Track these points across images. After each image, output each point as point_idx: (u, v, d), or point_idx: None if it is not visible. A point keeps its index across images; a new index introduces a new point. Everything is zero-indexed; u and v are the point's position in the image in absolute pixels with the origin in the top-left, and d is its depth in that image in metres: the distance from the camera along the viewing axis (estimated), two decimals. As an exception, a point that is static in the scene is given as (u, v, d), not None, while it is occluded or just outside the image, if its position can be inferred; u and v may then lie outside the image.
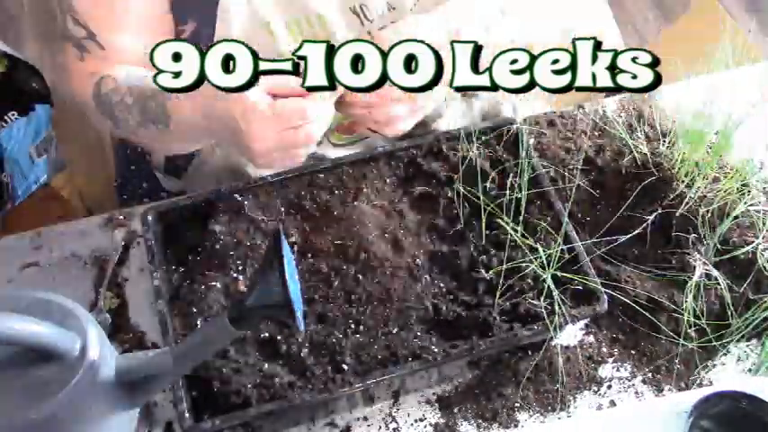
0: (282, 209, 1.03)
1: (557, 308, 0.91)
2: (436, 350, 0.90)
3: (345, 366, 0.90)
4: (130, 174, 1.31)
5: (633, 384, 0.95)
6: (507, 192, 1.00)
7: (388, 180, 1.06)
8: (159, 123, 1.00)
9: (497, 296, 0.94)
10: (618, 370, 0.97)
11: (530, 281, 0.95)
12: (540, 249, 0.93)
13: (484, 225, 0.99)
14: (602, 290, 0.94)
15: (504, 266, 0.95)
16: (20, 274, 1.05)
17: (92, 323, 0.71)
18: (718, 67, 1.15)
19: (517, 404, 0.93)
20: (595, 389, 0.95)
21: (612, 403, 0.94)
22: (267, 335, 0.92)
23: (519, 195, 0.99)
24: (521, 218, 0.98)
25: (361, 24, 1.10)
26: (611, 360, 0.97)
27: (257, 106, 0.89)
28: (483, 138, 1.08)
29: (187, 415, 0.85)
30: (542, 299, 0.93)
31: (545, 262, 0.93)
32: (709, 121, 1.14)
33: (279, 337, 0.91)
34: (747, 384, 0.90)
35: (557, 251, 0.93)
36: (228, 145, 1.03)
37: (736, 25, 1.74)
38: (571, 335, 0.98)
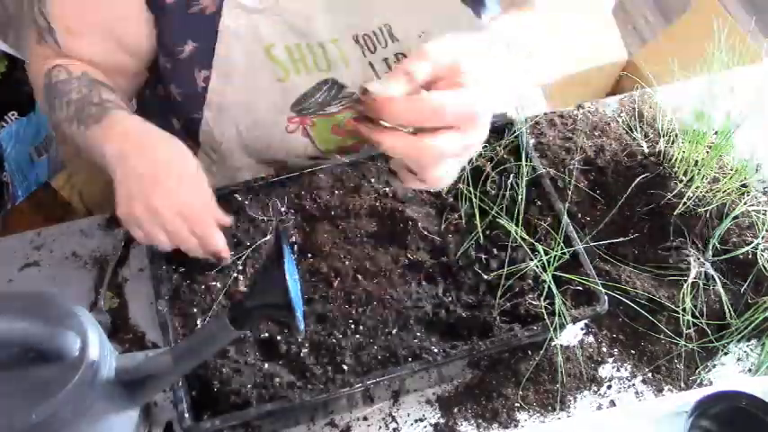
0: (282, 209, 1.03)
1: (557, 308, 0.91)
2: (436, 350, 0.90)
3: (345, 366, 0.90)
4: None
5: (633, 384, 0.95)
6: (507, 192, 1.00)
7: (388, 180, 1.06)
8: (83, 123, 0.99)
9: (498, 296, 0.94)
10: (618, 370, 0.97)
11: (530, 281, 0.95)
12: (541, 249, 0.94)
13: (480, 225, 0.99)
14: (603, 290, 0.94)
15: (505, 267, 0.95)
16: (20, 274, 1.05)
17: (92, 323, 0.71)
18: (717, 66, 1.15)
19: (517, 404, 0.93)
20: (595, 389, 0.95)
21: (612, 403, 0.94)
22: (267, 335, 0.92)
23: (519, 196, 0.99)
24: (521, 218, 0.98)
25: (363, 55, 1.09)
26: (611, 360, 0.97)
27: (196, 177, 0.94)
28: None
29: (187, 415, 0.85)
30: (542, 299, 0.93)
31: (545, 262, 0.93)
32: (709, 121, 1.14)
33: (279, 338, 0.91)
34: (747, 384, 0.90)
35: (557, 252, 0.93)
36: (126, 180, 0.95)
37: (736, 25, 1.74)
38: (571, 335, 0.98)
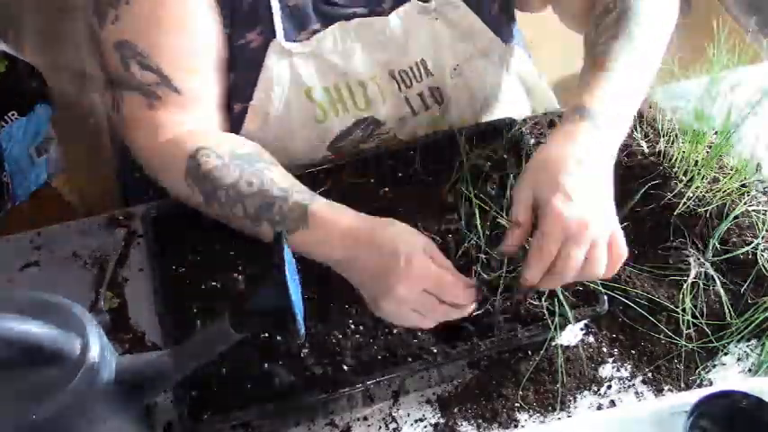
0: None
1: (557, 308, 0.91)
2: (436, 351, 0.90)
3: (345, 366, 0.90)
4: (135, 176, 1.31)
5: (633, 384, 0.95)
6: (508, 192, 1.00)
7: (388, 180, 1.06)
8: (283, 226, 0.90)
9: (497, 296, 0.94)
10: (618, 370, 0.97)
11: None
12: None
13: (480, 225, 0.98)
14: (602, 290, 0.94)
15: (504, 266, 0.95)
16: (20, 274, 1.05)
17: (92, 324, 0.71)
18: (717, 66, 1.15)
19: (517, 404, 0.93)
20: (595, 389, 0.95)
21: (612, 403, 0.94)
22: (267, 335, 0.92)
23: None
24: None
25: (399, 90, 1.11)
26: (611, 360, 0.97)
27: (424, 252, 0.85)
28: (483, 138, 1.07)
29: (187, 415, 0.85)
30: (543, 299, 0.93)
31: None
32: (709, 121, 1.14)
33: (279, 338, 0.91)
34: (747, 384, 0.90)
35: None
36: (363, 283, 0.88)
37: (737, 25, 1.74)
38: (571, 335, 0.98)
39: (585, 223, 0.81)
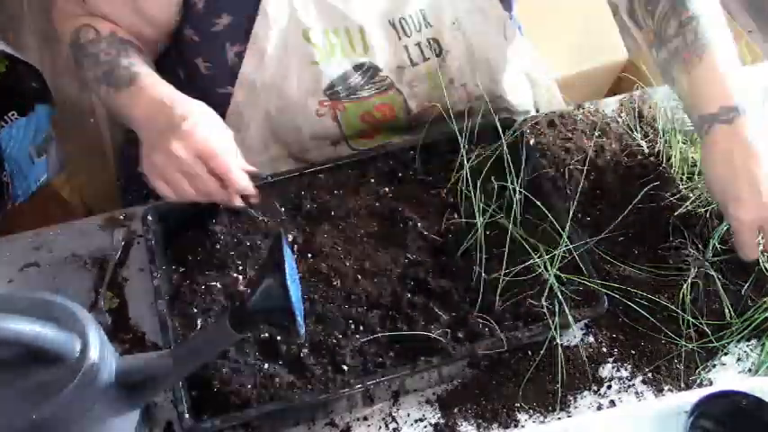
0: (282, 209, 1.03)
1: (557, 308, 0.91)
2: (437, 350, 0.90)
3: (345, 367, 0.89)
4: (135, 176, 1.32)
5: (633, 384, 0.95)
6: (508, 191, 1.00)
7: (389, 180, 1.06)
8: (114, 86, 1.01)
9: (497, 296, 0.94)
10: (618, 370, 0.97)
11: (530, 281, 0.95)
12: (542, 249, 0.93)
13: (480, 225, 0.98)
14: (603, 290, 0.94)
15: (503, 265, 0.95)
16: (20, 274, 1.05)
17: (92, 324, 0.71)
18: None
19: (517, 404, 0.93)
20: (595, 389, 0.95)
21: (612, 403, 0.94)
22: (267, 335, 0.92)
23: (518, 195, 0.99)
24: (518, 219, 0.98)
25: (398, 38, 1.12)
26: (611, 360, 0.97)
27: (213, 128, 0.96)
28: (484, 137, 1.07)
29: (187, 415, 0.85)
30: (543, 299, 0.93)
31: (547, 263, 0.93)
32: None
33: (279, 338, 0.91)
34: (747, 384, 0.90)
35: (558, 253, 0.93)
36: (146, 131, 0.99)
37: (737, 25, 1.74)
38: (571, 335, 0.98)
39: None
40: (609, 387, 0.95)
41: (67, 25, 1.09)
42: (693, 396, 0.85)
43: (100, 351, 0.70)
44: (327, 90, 1.11)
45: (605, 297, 0.94)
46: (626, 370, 0.96)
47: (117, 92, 1.01)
